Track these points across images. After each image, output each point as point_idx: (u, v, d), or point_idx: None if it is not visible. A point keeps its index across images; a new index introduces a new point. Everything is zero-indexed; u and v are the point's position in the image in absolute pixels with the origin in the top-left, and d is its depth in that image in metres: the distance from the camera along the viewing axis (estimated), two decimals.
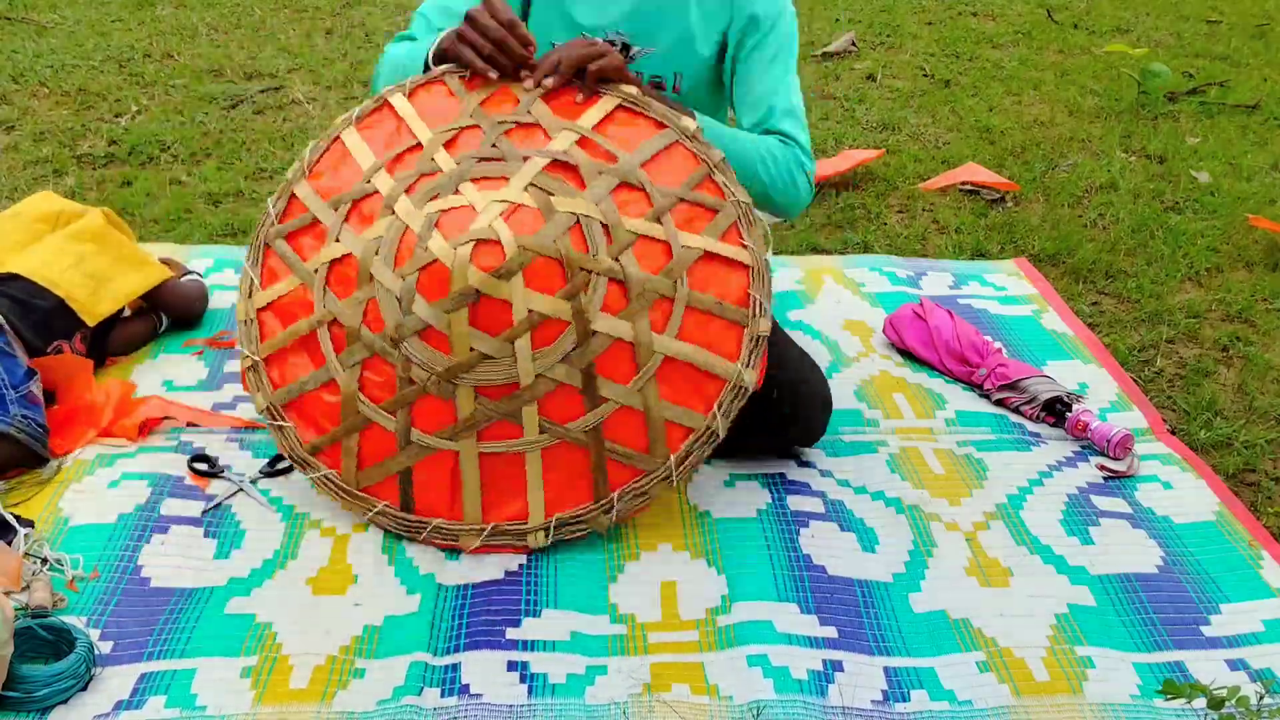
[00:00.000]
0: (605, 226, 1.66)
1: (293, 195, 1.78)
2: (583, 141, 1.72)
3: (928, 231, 2.89)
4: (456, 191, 1.68)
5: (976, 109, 3.70)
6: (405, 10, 4.43)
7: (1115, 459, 2.00)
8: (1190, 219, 2.95)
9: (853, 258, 2.70)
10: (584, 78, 1.75)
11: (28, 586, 1.57)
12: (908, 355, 2.31)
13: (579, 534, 1.71)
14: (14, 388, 1.84)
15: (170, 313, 2.24)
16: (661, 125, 1.75)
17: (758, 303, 1.70)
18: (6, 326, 1.91)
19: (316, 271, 1.72)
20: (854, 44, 4.22)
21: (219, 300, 2.36)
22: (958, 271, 2.66)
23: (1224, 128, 3.58)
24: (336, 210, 1.73)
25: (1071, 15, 4.74)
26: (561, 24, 1.90)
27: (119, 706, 1.44)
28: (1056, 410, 2.08)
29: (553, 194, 1.66)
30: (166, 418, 1.97)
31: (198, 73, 3.69)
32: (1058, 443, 2.06)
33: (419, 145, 1.74)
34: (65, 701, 1.43)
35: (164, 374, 2.12)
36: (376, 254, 1.67)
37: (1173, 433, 2.11)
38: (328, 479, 1.73)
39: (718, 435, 1.69)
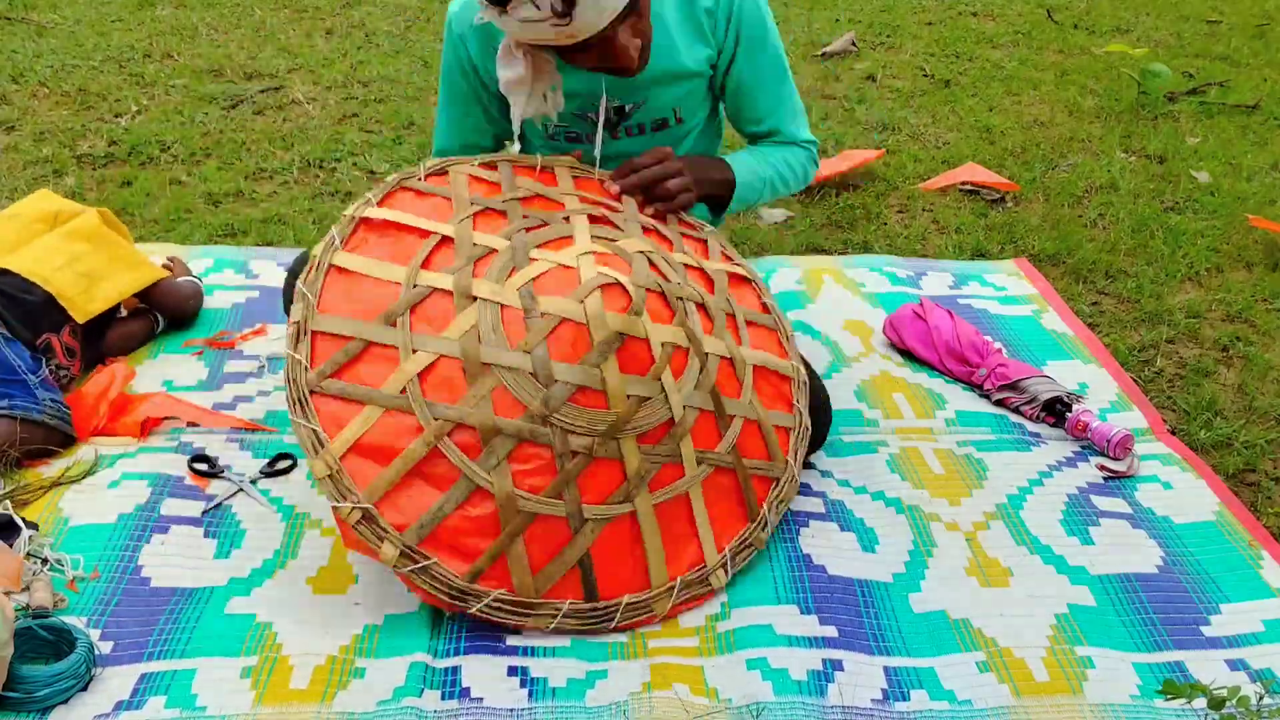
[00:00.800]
0: (666, 261, 1.73)
1: (314, 334, 1.57)
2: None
3: (928, 231, 2.89)
4: (532, 259, 1.63)
5: (976, 109, 3.70)
6: (405, 10, 4.44)
7: (1115, 459, 2.00)
8: (1190, 219, 2.94)
9: (853, 258, 2.70)
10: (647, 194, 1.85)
11: (28, 587, 1.57)
12: (908, 355, 2.31)
13: (747, 557, 1.70)
14: (33, 373, 1.86)
15: (163, 312, 2.24)
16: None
17: (772, 307, 1.89)
18: None
19: (405, 391, 1.54)
20: (854, 44, 4.22)
21: (220, 300, 2.36)
22: (958, 271, 2.66)
23: (1224, 128, 3.58)
24: (396, 324, 1.57)
25: (1071, 15, 4.74)
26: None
27: (119, 707, 1.44)
28: (1056, 410, 2.08)
29: (614, 240, 1.70)
30: (168, 417, 1.98)
31: (198, 73, 3.69)
32: (1058, 443, 2.06)
33: (444, 240, 1.65)
34: (65, 702, 1.43)
35: (164, 374, 2.12)
36: (480, 342, 1.56)
37: (1173, 433, 2.11)
38: (500, 602, 1.55)
39: (808, 428, 1.82)
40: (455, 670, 1.52)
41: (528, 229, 1.68)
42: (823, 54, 4.12)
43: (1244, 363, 2.34)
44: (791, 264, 2.65)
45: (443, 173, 1.76)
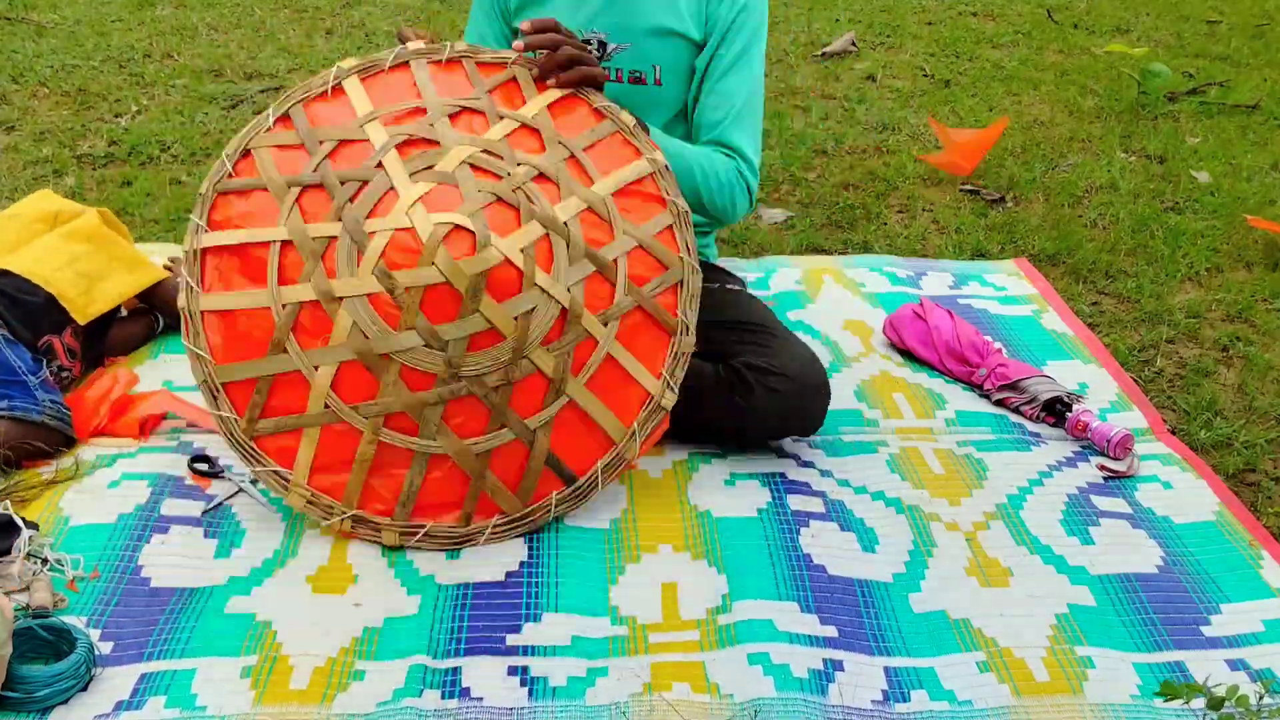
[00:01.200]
0: (489, 150, 1.73)
1: (225, 386, 1.69)
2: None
3: (928, 231, 2.89)
4: (370, 234, 1.66)
5: (976, 109, 3.70)
6: (405, 10, 4.44)
7: (1115, 459, 2.00)
8: (1190, 219, 2.95)
9: (853, 258, 2.70)
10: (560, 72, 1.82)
11: (28, 587, 1.58)
12: (908, 355, 2.31)
13: (684, 366, 1.79)
14: (34, 375, 1.86)
15: (164, 313, 2.24)
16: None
17: (607, 108, 1.83)
18: None
19: (329, 405, 1.67)
20: (854, 44, 4.22)
21: None
22: (958, 271, 2.66)
23: (1224, 128, 3.58)
24: (287, 351, 1.66)
25: (1071, 15, 4.75)
26: None
27: (119, 707, 1.44)
28: (1056, 410, 2.08)
29: (432, 165, 1.71)
30: (167, 415, 1.98)
31: (198, 73, 3.69)
32: (1058, 443, 2.06)
33: (285, 244, 1.69)
34: (65, 702, 1.43)
35: (164, 374, 2.12)
36: (368, 338, 1.64)
37: (1173, 433, 2.11)
38: (499, 527, 1.72)
39: (686, 211, 1.82)
40: (455, 670, 1.52)
41: (352, 197, 1.69)
42: (823, 54, 4.12)
43: (1244, 363, 2.34)
44: (791, 264, 2.65)
45: (247, 153, 1.75)
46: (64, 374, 2.01)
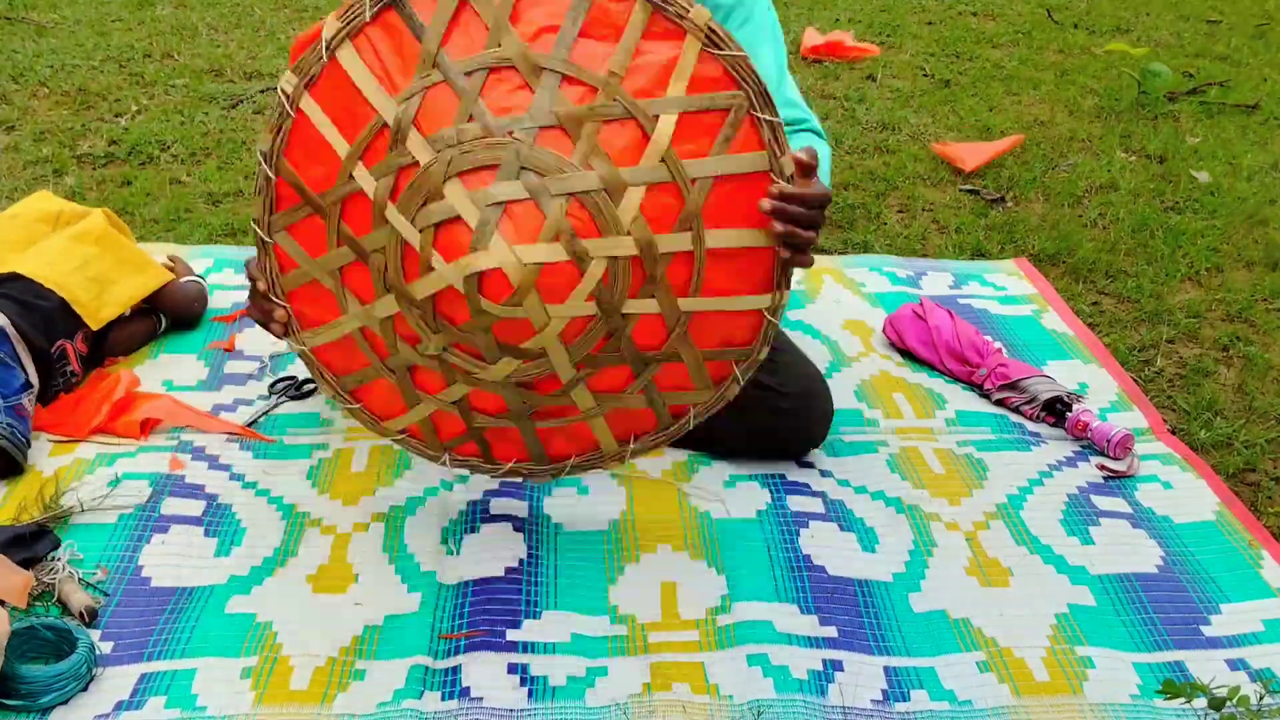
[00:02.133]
0: (608, 192, 1.43)
1: (279, 184, 1.52)
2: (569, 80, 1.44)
3: (928, 231, 2.89)
4: (442, 196, 1.43)
5: (976, 109, 3.70)
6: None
7: (1115, 459, 2.00)
8: (1190, 219, 2.95)
9: (853, 258, 2.70)
10: None
11: (54, 594, 1.57)
12: (908, 355, 2.31)
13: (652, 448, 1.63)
14: (4, 398, 1.83)
15: (169, 313, 2.24)
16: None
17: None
18: (13, 334, 1.90)
19: (333, 275, 1.54)
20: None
21: (219, 300, 2.36)
22: (958, 271, 2.66)
23: (1224, 128, 3.58)
24: (327, 215, 1.51)
25: (1071, 15, 4.74)
26: None
27: (119, 707, 1.44)
28: (1056, 410, 2.09)
29: (544, 174, 1.42)
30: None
31: (198, 73, 3.69)
32: (1058, 443, 2.06)
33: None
34: (66, 702, 1.43)
35: (164, 374, 2.12)
36: (386, 270, 1.49)
37: (1173, 433, 2.12)
38: (408, 440, 1.65)
39: (757, 360, 1.57)
40: (455, 670, 1.52)
41: (462, 144, 1.43)
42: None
43: (1244, 363, 2.34)
44: None
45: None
46: (74, 381, 2.01)
